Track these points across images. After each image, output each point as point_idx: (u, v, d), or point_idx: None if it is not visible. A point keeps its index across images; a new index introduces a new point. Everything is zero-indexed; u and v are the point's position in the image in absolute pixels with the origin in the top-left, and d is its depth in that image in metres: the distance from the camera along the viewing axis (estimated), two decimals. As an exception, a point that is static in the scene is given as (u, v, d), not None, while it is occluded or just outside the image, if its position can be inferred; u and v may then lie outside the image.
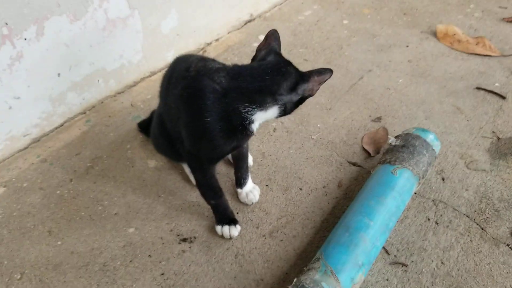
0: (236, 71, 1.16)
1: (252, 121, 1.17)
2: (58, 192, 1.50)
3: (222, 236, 1.35)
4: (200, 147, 1.21)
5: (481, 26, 2.33)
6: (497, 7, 2.49)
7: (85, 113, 1.79)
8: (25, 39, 1.46)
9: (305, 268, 1.17)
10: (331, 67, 1.17)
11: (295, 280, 1.12)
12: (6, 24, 1.39)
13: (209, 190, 1.34)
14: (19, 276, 1.27)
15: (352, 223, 1.23)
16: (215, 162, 1.32)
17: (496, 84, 1.93)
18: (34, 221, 1.41)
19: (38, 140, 1.67)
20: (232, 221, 1.36)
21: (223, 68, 1.17)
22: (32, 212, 1.44)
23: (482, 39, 2.18)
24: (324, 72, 1.16)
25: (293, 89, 1.15)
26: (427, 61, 2.10)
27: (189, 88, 1.15)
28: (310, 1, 2.63)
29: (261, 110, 1.15)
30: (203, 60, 1.25)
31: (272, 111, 1.17)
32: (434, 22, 2.36)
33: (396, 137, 1.48)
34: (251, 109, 1.13)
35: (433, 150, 1.45)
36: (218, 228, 1.35)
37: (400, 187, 1.32)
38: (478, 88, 1.91)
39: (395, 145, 1.45)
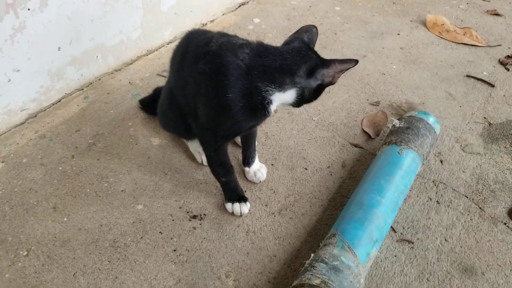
0: (260, 49, 1.16)
1: (271, 102, 1.17)
2: (60, 168, 1.46)
3: (232, 213, 1.36)
4: (218, 123, 1.21)
5: (467, 17, 2.40)
6: (480, 0, 2.57)
7: (82, 89, 1.75)
8: (29, 9, 1.41)
9: (321, 243, 1.20)
10: (326, 52, 1.19)
11: (312, 255, 1.14)
12: (11, -8, 1.34)
13: (221, 167, 1.33)
14: (25, 253, 1.23)
15: (365, 200, 1.26)
16: (230, 139, 1.32)
17: (484, 73, 2.00)
18: (37, 197, 1.37)
19: (35, 116, 1.62)
20: (242, 198, 1.36)
21: (247, 44, 1.17)
22: (35, 188, 1.40)
23: (469, 30, 2.25)
24: (347, 61, 1.17)
25: (312, 73, 1.16)
26: (418, 48, 2.15)
27: (212, 63, 1.14)
28: (301, -13, 2.63)
29: (280, 91, 1.15)
30: (226, 35, 1.23)
31: (290, 94, 1.17)
32: (423, 12, 2.42)
33: (400, 119, 1.52)
34: (270, 88, 1.14)
35: (435, 132, 1.50)
36: (229, 205, 1.36)
37: (407, 167, 1.36)
38: (468, 76, 1.98)
39: (399, 127, 1.48)
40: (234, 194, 1.36)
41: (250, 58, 1.13)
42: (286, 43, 1.22)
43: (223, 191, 1.38)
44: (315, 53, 1.19)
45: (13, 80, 1.48)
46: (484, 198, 1.46)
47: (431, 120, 1.50)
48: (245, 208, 1.35)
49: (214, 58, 1.14)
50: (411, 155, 1.39)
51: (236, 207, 1.35)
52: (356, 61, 1.18)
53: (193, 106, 1.24)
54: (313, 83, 1.17)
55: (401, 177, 1.33)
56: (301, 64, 1.15)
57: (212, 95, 1.16)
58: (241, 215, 1.36)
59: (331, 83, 1.21)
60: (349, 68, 1.20)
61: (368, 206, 1.24)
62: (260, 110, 1.17)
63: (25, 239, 1.27)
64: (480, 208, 1.43)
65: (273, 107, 1.19)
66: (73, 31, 1.58)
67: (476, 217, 1.40)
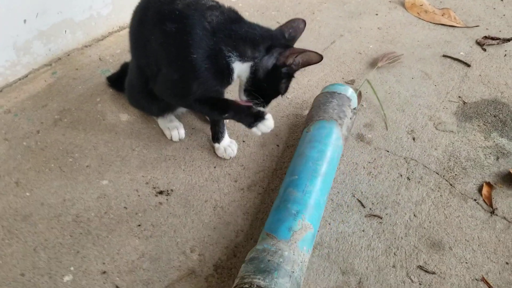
0: (231, 14, 1.14)
1: (233, 70, 1.15)
2: (24, 143, 1.42)
3: (260, 135, 1.29)
4: (183, 86, 1.18)
5: (446, -1, 2.39)
6: (461, -19, 2.56)
7: (50, 65, 1.70)
8: (-11, -22, 1.36)
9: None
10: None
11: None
12: (-30, -41, 1.29)
13: (215, 108, 1.25)
14: (-16, 227, 1.20)
15: (281, 188, 1.24)
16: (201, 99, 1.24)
17: (461, 53, 1.99)
18: (0, 172, 1.34)
19: (1, 91, 1.57)
20: (259, 116, 1.24)
21: (217, 6, 1.14)
22: (-3, 163, 1.36)
23: (448, 11, 2.24)
24: (308, 51, 1.13)
25: (269, 49, 1.14)
26: (395, 29, 2.13)
27: (178, 23, 1.10)
28: (280, -33, 2.60)
29: (240, 60, 1.14)
30: None
31: (245, 67, 1.15)
32: (402, -7, 2.40)
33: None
34: (232, 55, 1.12)
35: (340, 94, 1.46)
36: (254, 129, 1.25)
37: (315, 136, 1.34)
38: (444, 56, 1.97)
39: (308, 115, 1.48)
40: (251, 115, 1.24)
41: (218, 21, 1.11)
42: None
43: (242, 122, 1.27)
44: (280, 37, 1.18)
45: (-25, 52, 1.43)
46: (455, 175, 1.46)
47: (336, 88, 1.50)
48: (270, 123, 1.25)
49: (180, 17, 1.11)
50: (317, 125, 1.37)
51: (262, 126, 1.24)
52: (319, 56, 1.14)
53: (154, 70, 1.21)
54: (269, 62, 1.15)
55: (311, 147, 1.30)
56: (265, 39, 1.14)
57: (176, 55, 1.13)
58: (268, 130, 1.26)
59: (285, 65, 1.15)
60: (306, 54, 1.14)
61: (284, 190, 1.22)
62: (225, 75, 1.15)
63: (-16, 213, 1.24)
64: (451, 185, 1.42)
65: (234, 76, 1.17)
66: (39, 4, 1.53)
67: (446, 193, 1.40)
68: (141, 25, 1.22)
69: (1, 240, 1.17)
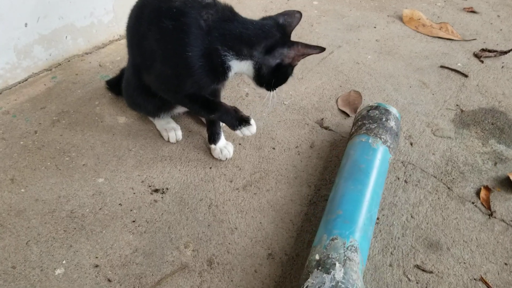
0: (225, 13, 1.15)
1: (229, 67, 1.17)
2: (21, 142, 1.43)
3: (242, 137, 1.32)
4: (177, 83, 1.20)
5: (443, 14, 2.42)
6: (458, -2, 2.60)
7: (51, 69, 1.72)
8: (-7, -20, 1.40)
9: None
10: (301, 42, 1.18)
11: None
12: (-27, -40, 1.33)
13: (205, 107, 1.26)
14: (-23, 222, 1.20)
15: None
16: (193, 95, 1.25)
17: (459, 64, 2.00)
18: (-5, 170, 1.34)
19: (0, 93, 1.59)
20: (244, 120, 1.26)
21: (213, 4, 1.16)
22: (-7, 160, 1.37)
23: (445, 25, 2.27)
24: (312, 47, 1.16)
25: (271, 50, 1.15)
26: (393, 41, 2.16)
27: (174, 20, 1.12)
28: (280, -17, 2.65)
29: (237, 59, 1.15)
30: None
31: (247, 65, 1.17)
32: (400, 8, 2.43)
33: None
34: (228, 54, 1.14)
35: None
36: (238, 131, 1.26)
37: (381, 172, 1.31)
38: (442, 67, 1.98)
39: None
40: (237, 117, 1.26)
41: (214, 19, 1.13)
42: (260, 19, 1.22)
43: (226, 123, 1.30)
44: (281, 32, 1.18)
45: (-24, 53, 1.46)
46: (453, 178, 1.45)
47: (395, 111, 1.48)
48: (254, 128, 1.27)
49: (177, 15, 1.12)
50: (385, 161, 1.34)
51: (245, 130, 1.26)
52: (322, 48, 1.16)
53: (149, 64, 1.22)
54: (272, 61, 1.17)
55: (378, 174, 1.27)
56: (261, 38, 1.14)
57: (172, 52, 1.15)
58: (251, 134, 1.28)
59: (291, 64, 1.19)
60: (311, 54, 1.19)
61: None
62: (220, 72, 1.17)
63: (-22, 208, 1.23)
64: (448, 188, 1.41)
65: (231, 73, 1.19)
66: (41, 8, 1.56)
67: (444, 196, 1.39)
68: (137, 22, 1.24)
69: (-6, 234, 1.16)
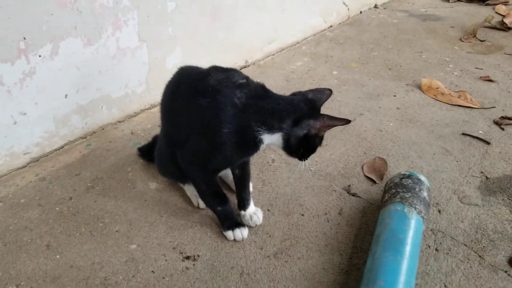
0: (258, 91, 1.23)
1: (261, 140, 1.23)
2: (57, 208, 1.47)
3: (234, 240, 1.39)
4: (209, 158, 1.25)
5: (461, 83, 2.49)
6: (473, 67, 2.68)
7: (86, 137, 1.79)
8: (40, 56, 1.49)
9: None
10: (323, 110, 1.25)
11: None
12: (24, 38, 1.43)
13: (215, 197, 1.37)
14: (14, 288, 1.21)
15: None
16: (218, 172, 1.36)
17: (480, 132, 2.04)
18: (32, 235, 1.37)
19: (37, 160, 1.66)
20: (241, 224, 1.40)
21: (246, 84, 1.23)
22: (30, 226, 1.40)
23: (464, 93, 2.33)
24: (338, 119, 1.22)
25: (298, 122, 1.21)
26: (414, 109, 2.22)
27: (210, 98, 1.19)
28: (300, 54, 2.78)
29: (268, 132, 1.21)
30: (224, 70, 1.28)
31: (277, 138, 1.23)
32: (418, 77, 2.52)
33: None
34: (261, 129, 1.20)
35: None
36: (229, 233, 1.38)
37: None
38: (464, 134, 2.02)
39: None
40: (232, 221, 1.40)
41: (247, 98, 1.19)
42: (290, 94, 1.29)
43: (220, 221, 1.41)
44: (309, 105, 1.24)
45: (19, 123, 1.53)
46: (484, 246, 1.44)
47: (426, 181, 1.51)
48: (245, 232, 1.40)
49: (212, 93, 1.19)
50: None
51: (238, 232, 1.38)
52: (347, 121, 1.21)
53: (182, 138, 1.28)
54: (299, 131, 1.22)
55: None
56: (289, 112, 1.21)
57: (207, 129, 1.20)
58: (243, 240, 1.38)
59: (317, 135, 1.25)
60: (337, 125, 1.25)
61: None
62: (251, 146, 1.22)
63: (15, 274, 1.25)
64: (480, 256, 1.40)
65: (263, 145, 1.24)
66: (81, 81, 1.66)
67: (476, 264, 1.37)
68: (173, 98, 1.33)
69: (29, 301, 1.17)
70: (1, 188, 1.53)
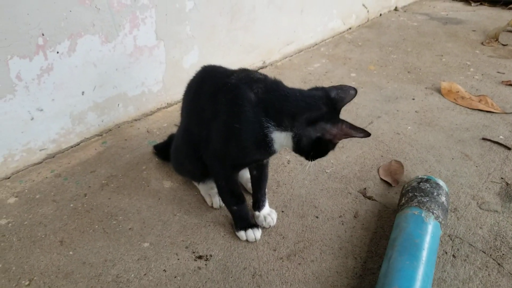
0: (271, 85, 1.19)
1: (272, 140, 1.17)
2: (71, 205, 1.47)
3: (246, 240, 1.38)
4: (227, 151, 1.24)
5: (482, 87, 2.44)
6: (495, 72, 2.63)
7: (101, 135, 1.80)
8: (58, 52, 1.50)
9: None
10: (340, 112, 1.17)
11: None
12: (43, 34, 1.44)
13: (232, 196, 1.36)
14: (27, 283, 1.21)
15: None
16: (238, 169, 1.36)
17: (501, 137, 1.99)
18: (46, 231, 1.38)
19: (53, 157, 1.67)
20: (254, 225, 1.39)
21: (263, 79, 1.21)
22: (44, 222, 1.41)
23: (484, 97, 2.28)
24: (358, 130, 1.11)
25: (313, 122, 1.12)
26: (433, 112, 2.18)
27: (229, 93, 1.19)
28: (318, 56, 2.76)
29: (278, 130, 1.15)
30: (246, 70, 1.28)
31: (287, 137, 1.16)
32: (437, 81, 2.48)
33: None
34: (270, 125, 1.14)
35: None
36: (241, 233, 1.38)
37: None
38: (484, 139, 1.97)
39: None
40: (246, 222, 1.39)
41: (262, 92, 1.17)
42: (311, 88, 1.22)
43: (234, 220, 1.41)
44: (330, 106, 1.14)
45: (35, 119, 1.54)
46: (503, 254, 1.40)
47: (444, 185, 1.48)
48: (258, 233, 1.38)
49: (232, 89, 1.19)
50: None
51: (250, 233, 1.37)
52: (367, 133, 1.11)
53: (205, 134, 1.27)
54: (313, 133, 1.13)
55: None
56: (304, 110, 1.12)
57: (225, 122, 1.20)
58: (255, 241, 1.38)
59: (331, 142, 1.16)
60: (354, 136, 1.14)
61: None
62: (263, 145, 1.18)
63: (28, 269, 1.25)
64: (499, 264, 1.36)
65: (276, 146, 1.19)
66: (98, 78, 1.67)
67: (495, 272, 1.34)
68: (197, 96, 1.33)
69: (42, 296, 1.18)
70: (17, 183, 1.55)
